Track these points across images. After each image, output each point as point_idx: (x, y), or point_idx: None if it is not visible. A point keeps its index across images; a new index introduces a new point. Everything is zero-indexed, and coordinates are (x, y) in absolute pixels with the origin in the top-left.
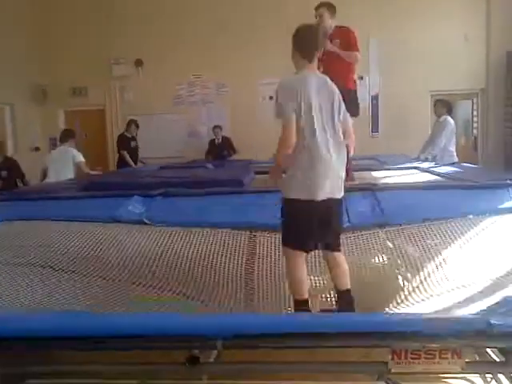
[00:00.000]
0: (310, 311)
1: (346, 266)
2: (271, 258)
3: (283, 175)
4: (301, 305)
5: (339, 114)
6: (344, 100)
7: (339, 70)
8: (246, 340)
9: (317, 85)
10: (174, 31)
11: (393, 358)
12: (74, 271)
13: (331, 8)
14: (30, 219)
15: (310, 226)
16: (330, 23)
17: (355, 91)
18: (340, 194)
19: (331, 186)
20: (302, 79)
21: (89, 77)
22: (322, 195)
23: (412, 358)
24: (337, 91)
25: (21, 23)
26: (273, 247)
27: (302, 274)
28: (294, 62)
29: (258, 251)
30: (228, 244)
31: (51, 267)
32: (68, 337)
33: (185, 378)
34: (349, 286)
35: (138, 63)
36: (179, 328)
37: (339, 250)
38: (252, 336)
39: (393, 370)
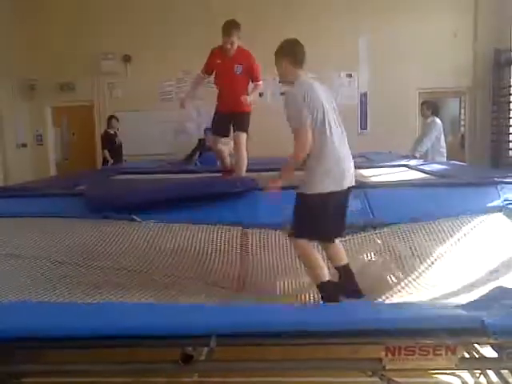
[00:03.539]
0: (338, 290)
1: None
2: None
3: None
4: (329, 286)
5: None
6: (242, 121)
7: (241, 93)
8: (240, 338)
9: (320, 87)
10: (162, 26)
11: (387, 355)
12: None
13: (239, 29)
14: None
15: (334, 215)
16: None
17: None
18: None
19: (350, 175)
20: (309, 84)
21: (77, 72)
22: (345, 184)
23: (406, 355)
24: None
25: (7, 17)
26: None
27: (320, 260)
28: (283, 71)
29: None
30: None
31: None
32: (61, 337)
33: (177, 376)
34: (347, 261)
35: (126, 59)
36: (172, 327)
37: None
38: (246, 334)
39: (387, 367)
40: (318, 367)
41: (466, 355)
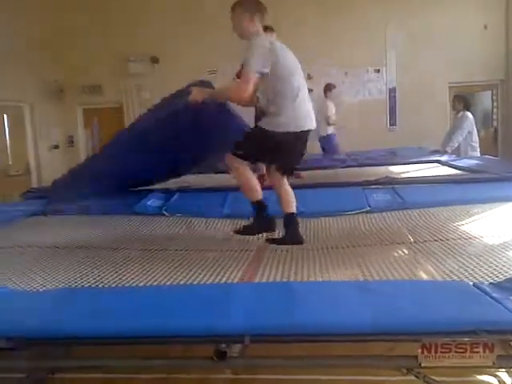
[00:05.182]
0: (266, 205)
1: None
2: None
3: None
4: (259, 204)
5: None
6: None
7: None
8: (274, 336)
9: (283, 46)
10: (189, 27)
11: (422, 352)
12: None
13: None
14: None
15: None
16: None
17: None
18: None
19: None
20: (272, 41)
21: (105, 74)
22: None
23: (442, 352)
24: None
25: (37, 22)
26: None
27: (254, 181)
28: (243, 28)
29: None
30: None
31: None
32: (95, 337)
33: (209, 372)
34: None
35: (154, 60)
36: (207, 328)
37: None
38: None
39: (422, 364)
40: (352, 365)
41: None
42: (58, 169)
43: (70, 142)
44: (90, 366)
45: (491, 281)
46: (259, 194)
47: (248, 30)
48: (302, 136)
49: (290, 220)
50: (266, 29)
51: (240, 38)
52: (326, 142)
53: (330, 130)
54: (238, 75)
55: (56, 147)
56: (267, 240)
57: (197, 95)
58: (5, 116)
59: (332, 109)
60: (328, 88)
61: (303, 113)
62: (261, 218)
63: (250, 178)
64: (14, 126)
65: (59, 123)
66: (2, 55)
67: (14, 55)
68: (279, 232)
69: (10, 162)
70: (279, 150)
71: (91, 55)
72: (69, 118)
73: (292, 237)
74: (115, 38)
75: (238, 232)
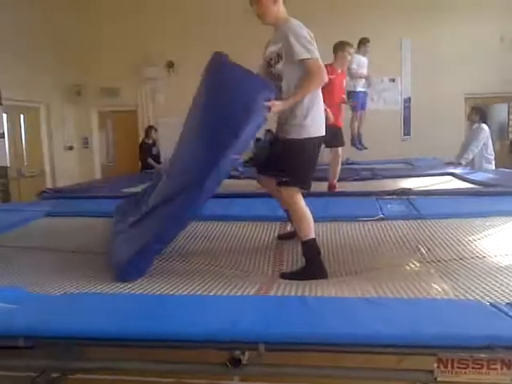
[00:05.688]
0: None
1: None
2: None
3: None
4: (314, 243)
5: None
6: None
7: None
8: (289, 345)
9: None
10: (205, 31)
11: (439, 366)
12: None
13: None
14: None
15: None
16: None
17: None
18: None
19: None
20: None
21: (121, 78)
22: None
23: (459, 368)
24: None
25: (54, 23)
26: None
27: (309, 213)
28: (267, 11)
29: None
30: None
31: None
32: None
33: (218, 378)
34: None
35: (169, 65)
36: (222, 334)
37: None
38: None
39: (438, 379)
40: (366, 377)
41: None
42: (72, 170)
43: (85, 143)
44: (103, 368)
45: (507, 301)
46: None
47: (278, 15)
48: (320, 142)
49: (311, 248)
50: None
51: (269, 25)
52: (352, 99)
53: (359, 86)
54: (269, 62)
55: (71, 148)
56: (282, 275)
57: (276, 107)
58: (21, 116)
59: (360, 62)
60: (361, 42)
61: (322, 114)
62: (317, 261)
63: (308, 212)
64: (30, 127)
65: (74, 124)
66: (19, 55)
67: (31, 56)
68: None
69: (26, 163)
70: (308, 160)
71: (108, 58)
72: (84, 119)
73: (314, 270)
74: (132, 42)
75: (285, 277)
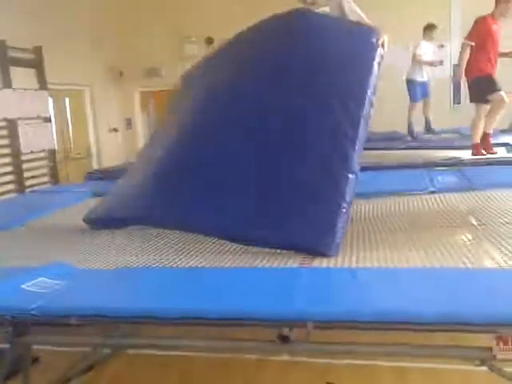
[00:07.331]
0: None
1: None
2: None
3: None
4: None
5: None
6: None
7: None
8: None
9: None
10: (243, 6)
11: (498, 344)
12: None
13: None
14: None
15: None
16: None
17: None
18: None
19: None
20: None
21: (162, 57)
22: None
23: None
24: None
25: (98, 6)
26: None
27: None
28: None
29: None
30: None
31: None
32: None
33: (268, 355)
34: None
35: (209, 41)
36: (271, 314)
37: None
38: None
39: (498, 357)
40: (426, 354)
41: None
42: (117, 151)
43: (129, 124)
44: (154, 345)
45: None
46: None
47: None
48: None
49: None
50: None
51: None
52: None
53: (418, 74)
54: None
55: (115, 130)
56: None
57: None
58: (66, 100)
59: (424, 48)
60: (428, 27)
61: None
62: None
63: None
64: (75, 110)
65: (118, 106)
66: (63, 40)
67: (75, 39)
68: None
69: (72, 145)
70: None
71: (148, 36)
72: (127, 100)
73: None
74: (171, 18)
75: None
